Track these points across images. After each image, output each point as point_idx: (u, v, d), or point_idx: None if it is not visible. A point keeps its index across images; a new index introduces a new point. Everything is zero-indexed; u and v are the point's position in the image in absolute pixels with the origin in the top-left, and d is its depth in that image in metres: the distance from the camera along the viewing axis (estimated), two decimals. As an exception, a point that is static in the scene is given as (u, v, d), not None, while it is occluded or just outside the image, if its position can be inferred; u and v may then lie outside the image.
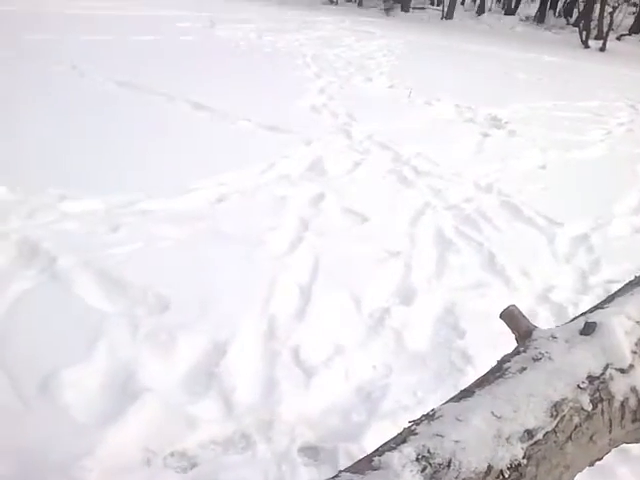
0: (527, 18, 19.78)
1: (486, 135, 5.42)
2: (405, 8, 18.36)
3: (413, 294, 2.63)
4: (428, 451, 0.79)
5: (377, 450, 0.84)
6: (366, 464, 0.79)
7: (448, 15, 18.01)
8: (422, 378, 2.11)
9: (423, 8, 19.17)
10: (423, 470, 0.77)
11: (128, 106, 5.00)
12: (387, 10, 17.55)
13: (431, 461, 0.78)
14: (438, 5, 19.36)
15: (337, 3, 18.28)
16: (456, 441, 0.81)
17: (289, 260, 2.77)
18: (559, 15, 21.13)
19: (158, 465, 1.62)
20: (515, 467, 0.85)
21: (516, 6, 21.19)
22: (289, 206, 3.34)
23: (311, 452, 1.75)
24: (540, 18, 19.68)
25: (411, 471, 0.76)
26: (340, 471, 0.81)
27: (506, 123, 5.82)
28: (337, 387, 2.00)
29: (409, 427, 0.87)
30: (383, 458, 0.78)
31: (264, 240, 2.90)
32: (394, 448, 0.80)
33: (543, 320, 2.44)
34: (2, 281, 2.32)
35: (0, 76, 5.48)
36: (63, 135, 4.05)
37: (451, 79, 7.95)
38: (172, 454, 1.67)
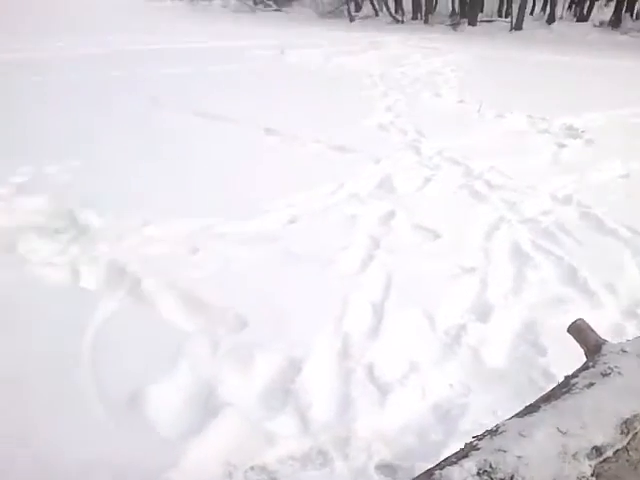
0: (601, 24, 19.03)
1: (562, 145, 5.24)
2: (472, 22, 18.13)
3: (490, 310, 2.58)
4: (490, 466, 0.78)
5: (439, 464, 0.84)
6: (427, 478, 0.79)
7: (517, 26, 17.62)
8: (501, 396, 2.05)
9: (491, 21, 18.86)
10: None
11: (203, 134, 5.22)
12: (454, 25, 17.41)
13: (493, 476, 0.77)
14: (506, 17, 18.98)
15: (403, 22, 18.31)
16: (519, 457, 0.80)
17: (361, 278, 2.79)
18: (637, 18, 20.21)
19: (239, 478, 1.67)
20: (583, 485, 0.82)
21: (589, 12, 20.44)
22: (359, 225, 3.37)
23: (388, 470, 1.75)
24: (615, 22, 18.87)
25: None
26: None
27: (583, 132, 5.61)
28: (413, 405, 1.98)
29: (471, 442, 0.86)
30: (444, 472, 0.78)
31: (335, 259, 2.94)
32: (455, 462, 0.80)
33: (631, 336, 2.32)
34: (93, 302, 2.47)
35: (86, 109, 5.88)
36: (144, 164, 4.28)
37: (523, 91, 7.77)
38: (252, 468, 1.71)
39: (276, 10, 20.87)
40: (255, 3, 21.66)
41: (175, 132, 5.24)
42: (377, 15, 19.27)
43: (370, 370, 2.12)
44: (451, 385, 2.10)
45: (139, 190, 3.74)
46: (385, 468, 1.75)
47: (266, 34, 13.61)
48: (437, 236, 3.25)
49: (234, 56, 10.04)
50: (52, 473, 1.60)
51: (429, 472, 0.81)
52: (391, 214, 3.52)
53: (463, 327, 2.42)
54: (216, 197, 3.68)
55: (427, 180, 4.17)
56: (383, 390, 2.03)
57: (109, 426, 1.79)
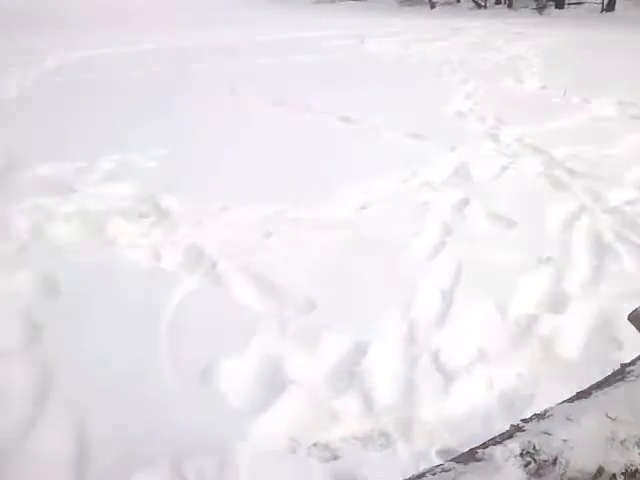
0: None
1: (654, 132, 4.94)
2: (559, 5, 17.26)
3: (565, 302, 2.50)
4: (534, 447, 0.78)
5: (483, 444, 0.84)
6: (470, 456, 0.80)
7: (608, 7, 16.60)
8: (572, 390, 1.98)
9: (580, 3, 17.86)
10: (527, 465, 0.76)
11: (281, 123, 5.33)
12: (539, 9, 16.65)
13: (536, 457, 0.77)
14: (598, -3, 17.93)
15: (486, 7, 17.72)
16: (564, 440, 0.79)
17: (431, 265, 2.78)
18: None
19: (302, 454, 1.73)
20: (632, 473, 0.80)
21: (693, -12, 18.91)
22: (432, 212, 3.34)
23: (449, 456, 1.73)
24: None
25: (513, 465, 0.75)
26: (446, 461, 0.83)
27: (679, 118, 5.25)
28: (478, 393, 1.96)
29: (517, 424, 0.86)
30: (487, 451, 0.78)
31: (406, 245, 2.94)
32: (499, 443, 0.80)
33: None
34: (173, 283, 2.61)
35: (171, 100, 6.14)
36: (223, 152, 4.43)
37: (613, 75, 7.34)
38: (315, 445, 1.76)
39: (355, -1, 20.79)
40: (335, -8, 21.66)
41: (254, 121, 5.38)
42: (459, 1, 18.75)
43: (436, 356, 2.12)
44: (519, 375, 2.06)
45: (218, 176, 3.89)
46: (447, 454, 1.74)
47: (345, 24, 13.60)
48: (512, 225, 3.17)
49: (313, 46, 10.12)
50: (130, 438, 1.72)
51: (472, 451, 0.82)
52: (465, 202, 3.47)
53: (535, 318, 2.36)
54: (290, 183, 3.76)
55: (504, 168, 4.06)
56: (448, 377, 2.02)
57: (181, 395, 1.90)
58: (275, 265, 2.72)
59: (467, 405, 1.91)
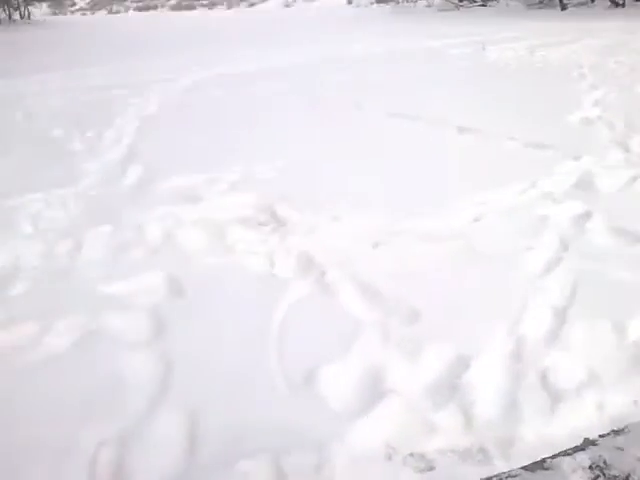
0: None
1: None
2: None
3: (695, 326, 2.29)
4: (604, 462, 0.76)
5: (554, 455, 0.83)
6: (538, 465, 0.80)
7: None
8: (698, 421, 1.83)
9: None
10: (595, 479, 0.74)
11: (395, 134, 5.37)
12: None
13: (606, 472, 0.75)
14: None
15: (624, 5, 16.49)
16: (639, 458, 0.76)
17: (545, 281, 2.67)
18: None
19: (398, 461, 1.75)
20: None
21: None
22: (549, 225, 3.21)
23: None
24: None
25: (580, 477, 0.74)
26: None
27: None
28: (587, 417, 1.87)
29: (590, 438, 0.84)
30: (555, 461, 0.78)
31: (519, 260, 2.85)
32: (569, 454, 0.79)
33: None
34: (284, 289, 2.75)
35: (292, 112, 6.41)
36: (339, 163, 4.56)
37: None
38: (411, 454, 1.78)
39: (481, 5, 20.31)
40: (460, 0, 21.29)
41: (369, 132, 5.47)
42: (593, 1, 17.62)
43: (543, 376, 2.05)
44: (636, 402, 1.93)
45: (333, 187, 4.02)
46: (549, 475, 1.69)
47: (469, 31, 13.35)
48: (638, 240, 2.96)
49: (434, 55, 10.07)
50: (236, 431, 1.85)
51: (542, 460, 0.82)
52: (587, 215, 3.29)
53: (659, 341, 2.20)
54: (402, 194, 3.80)
55: (634, 179, 3.79)
56: (555, 397, 1.95)
57: (285, 395, 2.01)
58: (382, 275, 2.76)
59: (573, 428, 1.82)
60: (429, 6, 21.69)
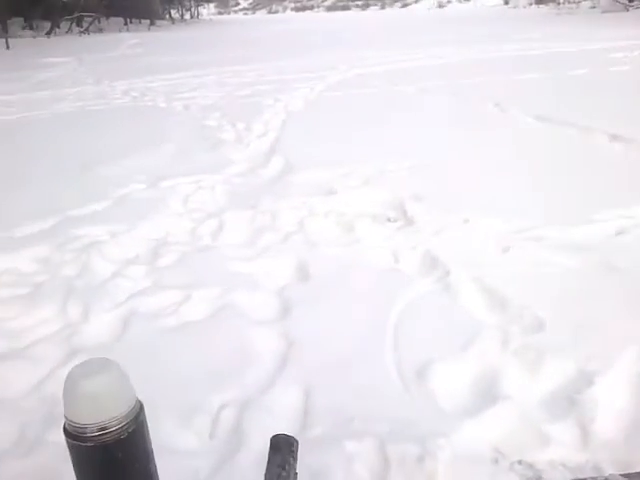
0: None
1: None
2: None
3: None
4: None
5: None
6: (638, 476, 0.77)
7: None
8: None
9: None
10: None
11: (540, 139, 5.14)
12: None
13: None
14: None
15: None
16: None
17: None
18: None
19: (504, 467, 1.72)
20: None
21: None
22: None
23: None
24: None
25: None
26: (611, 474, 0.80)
27: None
28: None
29: None
30: None
31: (663, 279, 2.63)
32: None
33: None
34: (406, 283, 2.78)
35: (431, 112, 6.37)
36: (473, 164, 4.48)
37: None
38: (520, 462, 1.74)
39: (655, 5, 18.54)
40: (630, 0, 19.64)
41: (510, 135, 5.30)
42: None
43: (677, 403, 1.89)
44: None
45: (465, 188, 3.97)
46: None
47: (637, 34, 12.30)
48: None
49: (592, 59, 9.43)
50: (346, 413, 1.92)
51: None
52: None
53: None
54: (540, 201, 3.65)
55: None
56: (688, 428, 1.79)
57: (398, 387, 2.04)
58: (508, 280, 2.69)
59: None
60: (593, 7, 20.23)
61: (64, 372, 2.18)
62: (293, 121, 6.79)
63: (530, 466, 1.73)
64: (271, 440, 1.10)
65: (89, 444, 0.95)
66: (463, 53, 12.82)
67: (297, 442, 1.08)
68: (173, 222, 3.74)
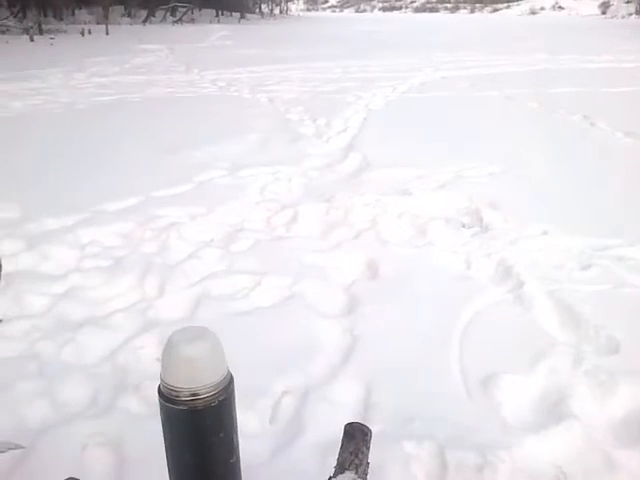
0: None
1: None
2: None
3: None
4: None
5: None
6: None
7: None
8: None
9: None
10: None
11: (629, 155, 4.91)
12: None
13: None
14: None
15: None
16: None
17: None
18: None
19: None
20: None
21: None
22: None
23: None
24: None
25: None
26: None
27: None
28: None
29: None
30: None
31: None
32: None
33: None
34: (477, 290, 2.73)
35: (511, 121, 6.19)
36: (554, 177, 4.32)
37: None
38: (583, 485, 1.68)
39: None
40: None
41: (597, 149, 5.10)
42: None
43: None
44: None
45: (545, 200, 3.85)
46: None
47: None
48: None
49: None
50: (405, 413, 1.91)
51: None
52: None
53: None
54: (623, 219, 3.49)
55: None
56: None
57: (461, 394, 2.01)
58: (585, 298, 2.58)
59: None
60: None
61: (138, 343, 2.34)
62: (373, 119, 6.78)
63: (594, 491, 1.67)
64: (345, 427, 1.11)
65: (181, 407, 1.00)
66: (552, 61, 12.39)
67: (371, 432, 1.09)
68: (249, 210, 3.83)
